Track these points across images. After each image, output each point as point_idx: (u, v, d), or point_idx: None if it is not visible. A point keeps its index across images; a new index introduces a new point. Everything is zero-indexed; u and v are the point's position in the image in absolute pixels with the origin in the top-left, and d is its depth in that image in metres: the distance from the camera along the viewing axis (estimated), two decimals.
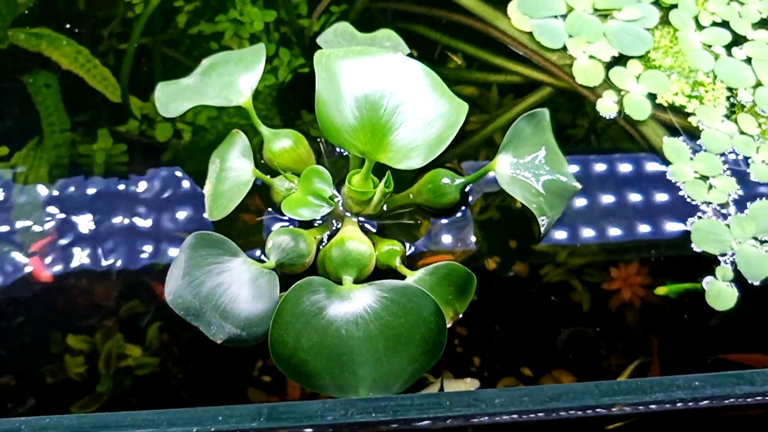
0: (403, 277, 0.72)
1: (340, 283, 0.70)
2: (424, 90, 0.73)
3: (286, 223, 0.78)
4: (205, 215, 0.75)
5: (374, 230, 0.80)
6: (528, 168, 0.76)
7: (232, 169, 0.75)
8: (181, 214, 0.79)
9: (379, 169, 0.73)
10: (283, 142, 0.78)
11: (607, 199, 0.84)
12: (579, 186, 0.78)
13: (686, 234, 0.82)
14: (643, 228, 0.82)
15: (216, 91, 0.77)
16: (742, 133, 0.89)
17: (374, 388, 0.62)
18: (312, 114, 0.87)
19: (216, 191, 0.74)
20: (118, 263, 0.76)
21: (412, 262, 0.78)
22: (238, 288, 0.65)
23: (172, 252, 0.77)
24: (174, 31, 0.91)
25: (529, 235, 0.81)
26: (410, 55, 0.78)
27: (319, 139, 0.84)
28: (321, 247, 0.77)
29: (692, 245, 0.81)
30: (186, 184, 0.81)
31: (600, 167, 0.86)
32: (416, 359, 0.63)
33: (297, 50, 0.91)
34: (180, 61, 0.90)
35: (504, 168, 0.75)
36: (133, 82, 0.87)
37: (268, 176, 0.76)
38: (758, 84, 0.93)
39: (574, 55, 0.93)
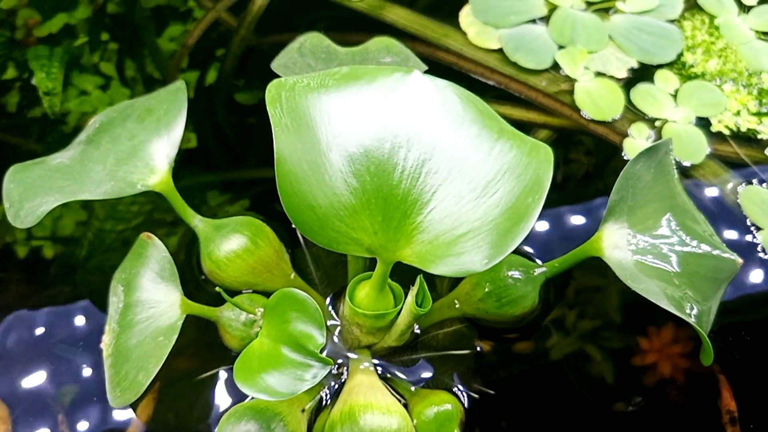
0: None
1: None
2: (468, 129, 0.42)
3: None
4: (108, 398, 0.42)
5: (400, 374, 0.47)
6: (654, 242, 0.44)
7: (145, 305, 0.42)
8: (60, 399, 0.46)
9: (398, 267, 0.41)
10: (231, 242, 0.46)
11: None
12: (740, 261, 0.46)
13: None
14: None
15: (106, 170, 0.45)
16: None
17: None
18: (225, 194, 0.55)
19: (119, 349, 0.42)
20: None
21: (478, 426, 0.45)
22: None
23: None
24: (9, 118, 0.59)
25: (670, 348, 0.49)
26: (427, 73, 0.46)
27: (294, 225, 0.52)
28: (314, 419, 0.44)
29: None
30: (63, 333, 0.48)
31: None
32: None
33: None
34: (33, 150, 0.57)
35: (618, 247, 0.43)
36: None
37: (212, 306, 0.44)
38: None
39: (572, 76, 0.60)
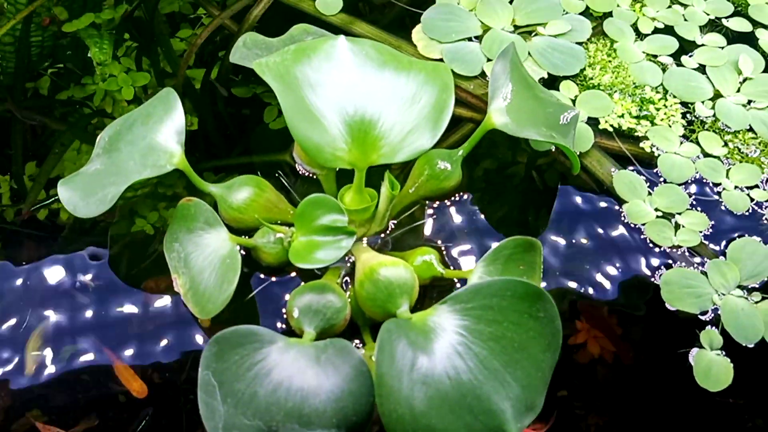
0: (462, 282, 0.59)
1: None
2: (388, 67, 0.61)
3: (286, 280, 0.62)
4: (196, 315, 0.56)
5: (388, 249, 0.66)
6: (522, 107, 0.66)
7: (204, 246, 0.58)
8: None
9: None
10: (243, 192, 0.62)
11: (556, 254, 0.66)
12: (578, 111, 0.69)
13: (656, 289, 0.63)
14: (600, 292, 0.64)
15: (137, 163, 0.59)
16: (706, 155, 0.72)
17: (520, 415, 0.49)
18: (218, 174, 0.70)
19: (196, 281, 0.57)
20: None
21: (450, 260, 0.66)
22: (301, 378, 0.48)
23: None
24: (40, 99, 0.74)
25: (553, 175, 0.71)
26: None
27: (277, 174, 0.69)
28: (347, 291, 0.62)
29: (665, 304, 0.62)
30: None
31: (541, 214, 0.69)
32: (541, 360, 0.51)
33: (188, 105, 0.74)
34: (55, 128, 0.71)
35: (501, 116, 0.64)
36: None
37: (245, 237, 0.60)
38: (717, 95, 0.76)
39: None
